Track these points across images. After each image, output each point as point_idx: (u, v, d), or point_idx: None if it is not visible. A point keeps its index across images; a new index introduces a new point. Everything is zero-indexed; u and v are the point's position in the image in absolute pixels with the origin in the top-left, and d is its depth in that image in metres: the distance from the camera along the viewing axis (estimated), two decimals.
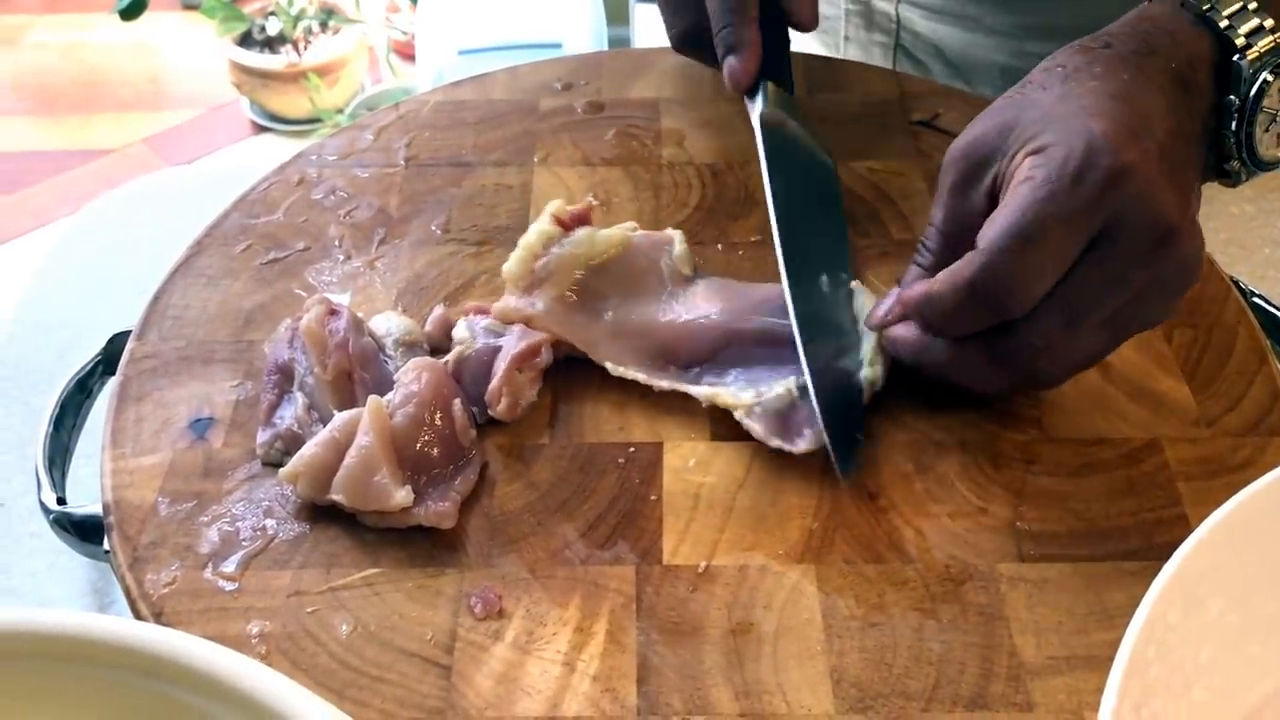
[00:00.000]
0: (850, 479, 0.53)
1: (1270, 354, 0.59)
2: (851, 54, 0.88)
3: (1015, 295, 0.49)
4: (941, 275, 0.51)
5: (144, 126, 2.53)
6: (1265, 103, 0.54)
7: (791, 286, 0.57)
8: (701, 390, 0.55)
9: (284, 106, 2.47)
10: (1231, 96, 0.54)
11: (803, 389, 0.54)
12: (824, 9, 0.87)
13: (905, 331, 0.54)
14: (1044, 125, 0.51)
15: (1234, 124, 0.54)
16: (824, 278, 0.59)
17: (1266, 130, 0.54)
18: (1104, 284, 0.49)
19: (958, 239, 0.53)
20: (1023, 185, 0.49)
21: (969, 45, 0.82)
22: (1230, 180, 0.57)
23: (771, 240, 0.58)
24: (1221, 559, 0.38)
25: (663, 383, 0.56)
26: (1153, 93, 0.52)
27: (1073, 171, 0.49)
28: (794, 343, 0.55)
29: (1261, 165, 0.55)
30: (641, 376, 0.56)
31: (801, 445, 0.53)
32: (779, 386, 0.54)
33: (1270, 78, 0.53)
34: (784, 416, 0.54)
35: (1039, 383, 0.54)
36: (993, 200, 0.53)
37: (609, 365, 0.56)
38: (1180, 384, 0.57)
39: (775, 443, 0.53)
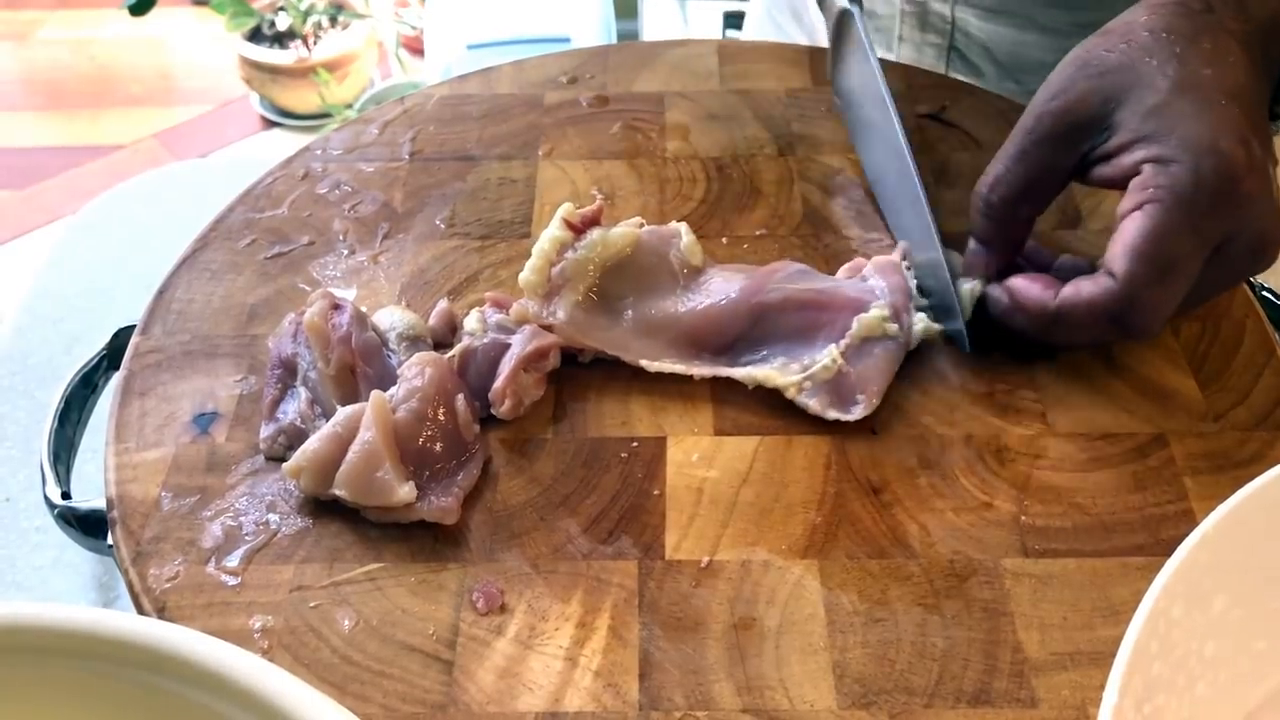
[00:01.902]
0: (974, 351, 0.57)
1: (1279, 348, 0.58)
2: (905, 54, 0.87)
3: (1153, 323, 0.52)
4: (1070, 295, 0.53)
5: (154, 122, 2.54)
6: None
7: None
8: (744, 372, 0.55)
9: (293, 101, 2.47)
10: None
11: (846, 353, 0.55)
12: (878, 8, 0.87)
13: (1014, 315, 0.56)
14: (1162, 124, 0.51)
15: None
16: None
17: None
18: (1210, 286, 0.53)
19: (1029, 191, 0.56)
20: (1151, 206, 0.51)
21: (1021, 45, 0.82)
22: None
23: (775, 235, 0.58)
24: (1226, 554, 0.37)
25: (704, 370, 0.56)
26: (1253, 75, 0.52)
27: (1206, 201, 0.50)
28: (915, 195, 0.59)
29: None
30: (681, 368, 0.56)
31: (857, 412, 0.54)
32: (823, 357, 0.55)
33: None
34: (834, 386, 0.55)
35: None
36: (1080, 166, 0.55)
37: (644, 363, 0.56)
38: (1187, 378, 0.57)
39: (833, 414, 0.54)
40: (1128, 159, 0.52)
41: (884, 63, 0.77)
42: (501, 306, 0.58)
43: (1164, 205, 0.50)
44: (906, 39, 0.87)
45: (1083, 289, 0.53)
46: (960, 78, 0.84)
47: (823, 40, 0.90)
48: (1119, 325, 0.52)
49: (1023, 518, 0.51)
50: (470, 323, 0.57)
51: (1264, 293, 0.62)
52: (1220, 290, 0.55)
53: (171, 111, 2.57)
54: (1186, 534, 0.37)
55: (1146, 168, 0.51)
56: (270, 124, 2.52)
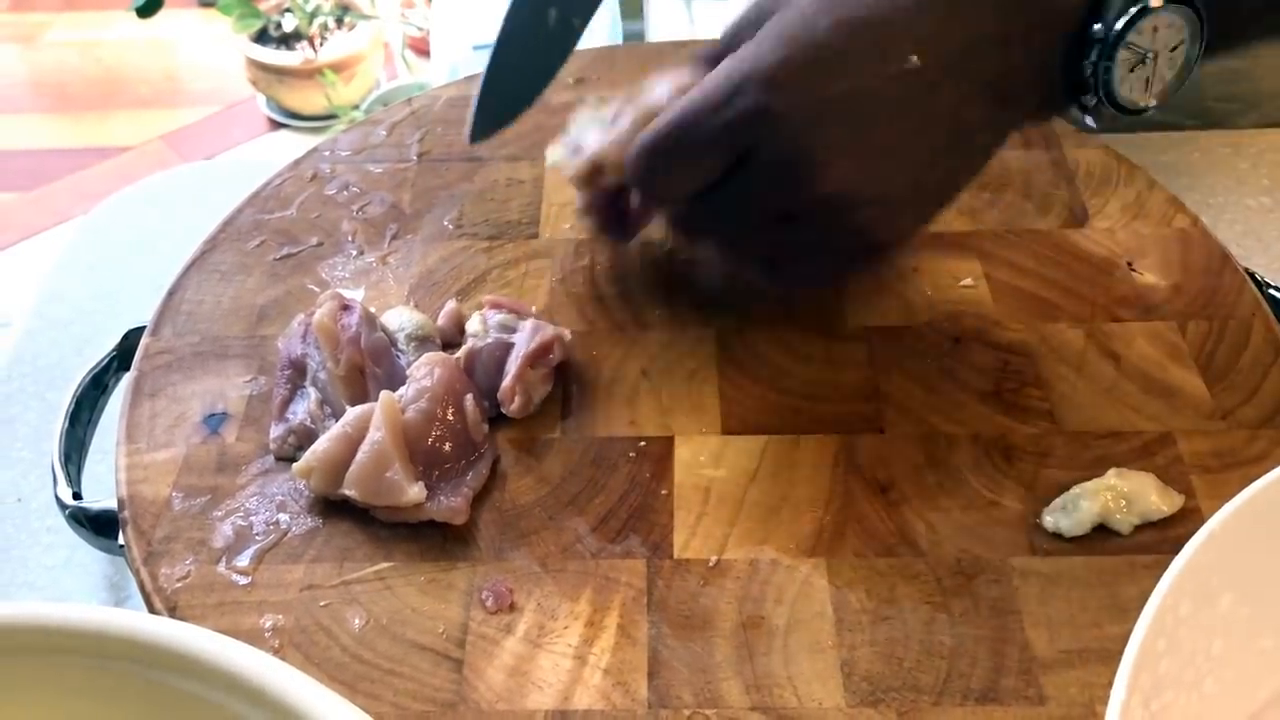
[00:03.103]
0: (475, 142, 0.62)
1: None
2: None
3: (655, 188, 0.54)
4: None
5: (161, 124, 2.54)
6: (1132, 38, 0.50)
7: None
8: None
9: (300, 103, 2.48)
10: (1098, 26, 0.50)
11: None
12: None
13: None
14: (760, 29, 0.50)
15: (1094, 54, 0.50)
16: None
17: (1132, 70, 0.51)
18: (740, 203, 0.52)
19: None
20: (689, 93, 0.51)
21: None
22: (1092, 121, 0.53)
23: None
24: (1233, 552, 0.37)
25: None
26: (929, 22, 0.49)
27: (716, 100, 0.50)
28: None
29: (1121, 108, 0.52)
30: None
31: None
32: None
33: (1140, 12, 0.49)
34: None
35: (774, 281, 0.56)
36: None
37: None
38: (1194, 376, 0.57)
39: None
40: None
41: None
42: (498, 308, 0.58)
43: (695, 96, 0.51)
44: None
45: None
46: None
47: None
48: (641, 171, 0.53)
49: (1030, 516, 0.51)
50: (472, 325, 0.57)
51: (1271, 291, 0.62)
52: (819, 248, 0.54)
53: (178, 113, 2.58)
54: (1194, 532, 0.37)
55: (724, 61, 0.51)
56: (277, 125, 2.52)
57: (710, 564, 0.50)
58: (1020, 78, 0.51)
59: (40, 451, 0.63)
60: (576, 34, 0.61)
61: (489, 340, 0.56)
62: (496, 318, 0.57)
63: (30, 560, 0.59)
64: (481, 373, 0.56)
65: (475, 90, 0.60)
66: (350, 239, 0.65)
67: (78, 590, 0.58)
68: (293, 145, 2.39)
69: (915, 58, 0.48)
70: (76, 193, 2.34)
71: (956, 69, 0.49)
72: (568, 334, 0.57)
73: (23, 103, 2.64)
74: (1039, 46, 0.50)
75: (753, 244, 0.55)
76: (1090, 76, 0.50)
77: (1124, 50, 0.50)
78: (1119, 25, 0.49)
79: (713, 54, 0.54)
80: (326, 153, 0.71)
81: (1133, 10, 0.49)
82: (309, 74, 2.42)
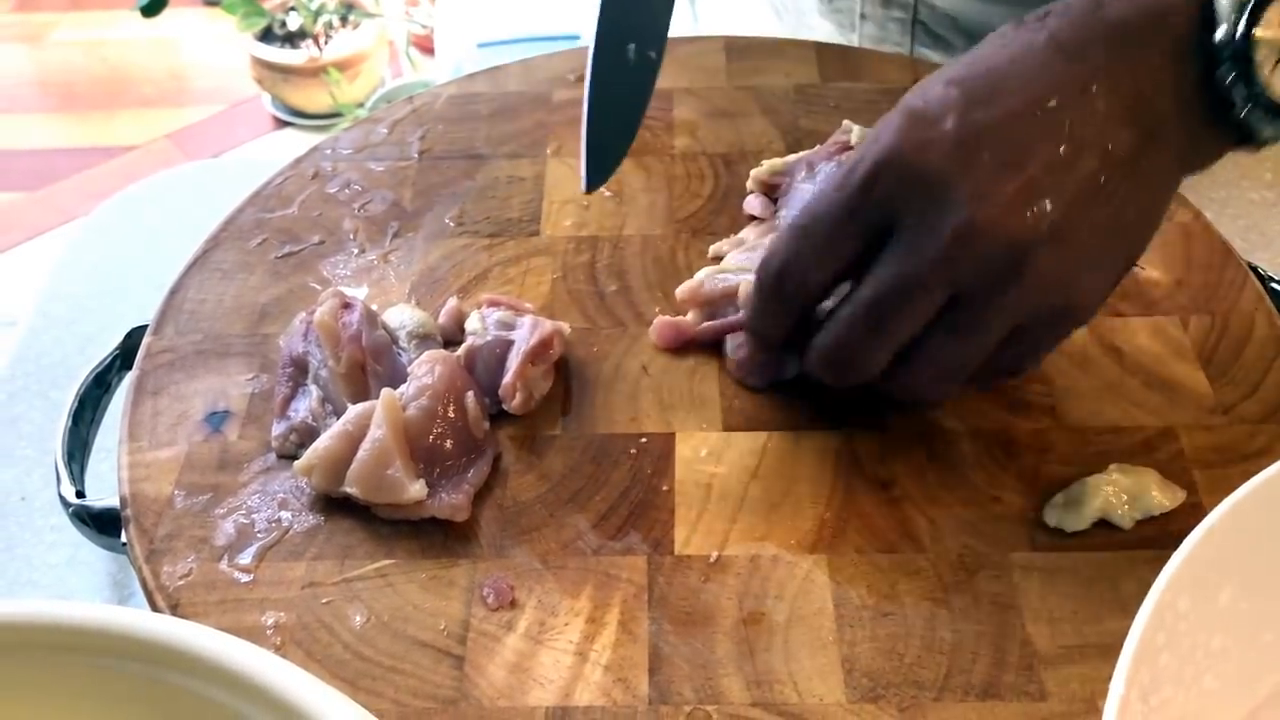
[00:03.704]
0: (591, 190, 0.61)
1: None
2: (867, 31, 0.87)
3: (791, 287, 0.50)
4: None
5: (166, 122, 2.54)
6: (1261, 33, 0.45)
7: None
8: None
9: (305, 101, 2.48)
10: (1219, 34, 0.46)
11: None
12: None
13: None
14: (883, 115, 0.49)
15: (1226, 61, 0.46)
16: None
17: (1277, 65, 0.45)
18: (895, 282, 0.47)
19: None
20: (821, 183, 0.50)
21: (989, 15, 0.81)
22: (1255, 140, 0.48)
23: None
24: (1233, 546, 0.37)
25: None
26: (1050, 65, 0.46)
27: (847, 167, 0.48)
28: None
29: (1276, 109, 0.47)
30: None
31: None
32: None
33: (1258, 3, 0.45)
34: None
35: (911, 394, 0.52)
36: None
37: None
38: (1196, 371, 0.57)
39: None
40: None
41: (893, 57, 0.77)
42: (496, 306, 0.58)
43: (829, 179, 0.50)
44: (869, 16, 0.86)
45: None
46: (928, 53, 0.84)
47: (831, 25, 0.90)
48: (769, 292, 0.51)
49: (1031, 511, 0.51)
50: (471, 323, 0.57)
51: (1274, 285, 0.62)
52: (999, 322, 0.47)
53: (183, 112, 2.58)
54: (1194, 527, 0.37)
55: None
56: (282, 124, 2.53)
57: (711, 560, 0.50)
58: (1157, 106, 0.47)
59: (44, 450, 0.64)
60: (655, 64, 0.62)
61: (489, 337, 0.56)
62: (495, 315, 0.58)
63: (34, 558, 0.60)
64: (482, 370, 0.56)
65: (581, 140, 0.60)
66: (352, 237, 0.65)
67: (81, 588, 0.58)
68: (298, 144, 2.39)
69: (1054, 100, 0.46)
70: (82, 192, 2.34)
71: (1087, 104, 0.46)
72: (567, 328, 0.57)
73: (29, 102, 2.65)
74: (1167, 67, 0.47)
75: (930, 345, 0.49)
76: (1231, 85, 0.46)
77: (1262, 49, 0.45)
78: (1241, 25, 0.45)
79: None
80: (328, 151, 0.71)
81: (1250, 3, 0.45)
82: (314, 72, 2.42)
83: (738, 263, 0.59)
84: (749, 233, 0.63)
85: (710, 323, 0.58)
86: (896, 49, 0.85)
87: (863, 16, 0.87)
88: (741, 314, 0.56)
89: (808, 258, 0.50)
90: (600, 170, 0.61)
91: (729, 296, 0.57)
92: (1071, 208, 0.46)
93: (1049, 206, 0.45)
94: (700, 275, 0.59)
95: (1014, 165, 0.45)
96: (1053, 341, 0.51)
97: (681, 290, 0.59)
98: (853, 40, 0.88)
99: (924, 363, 0.49)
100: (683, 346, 0.58)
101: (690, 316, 0.58)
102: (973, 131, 0.45)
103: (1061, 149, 0.45)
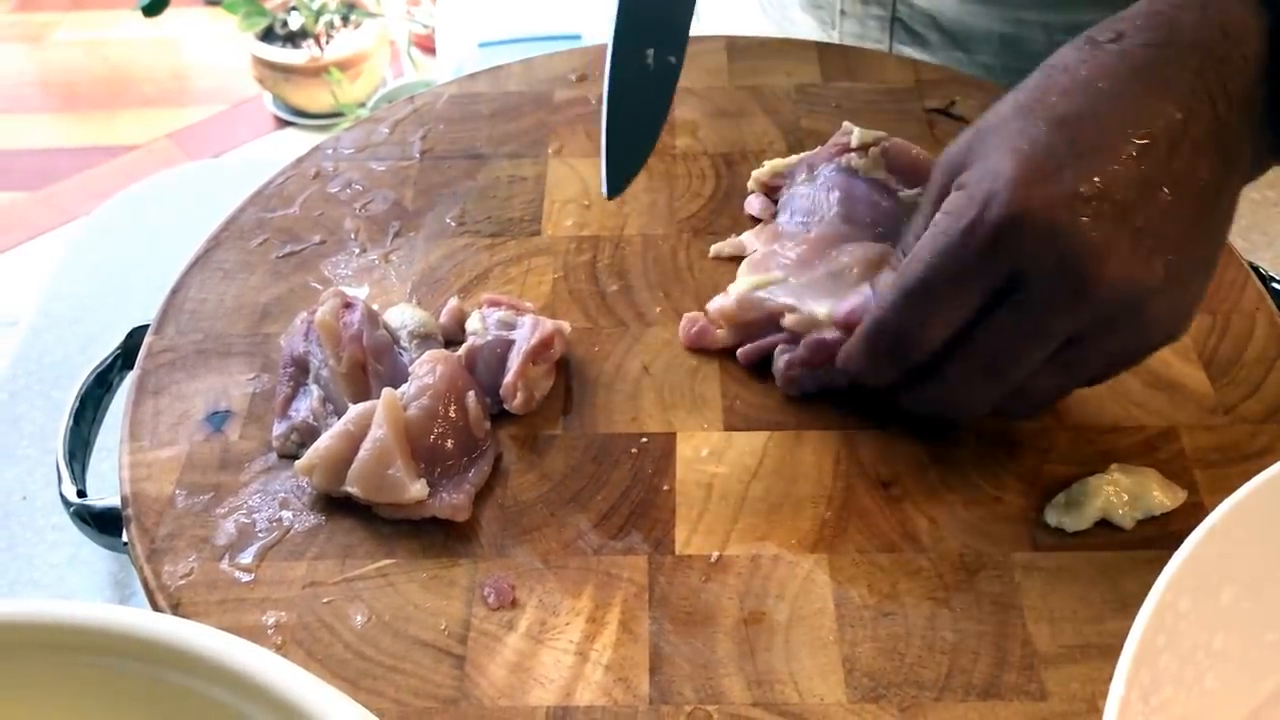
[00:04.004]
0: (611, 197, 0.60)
1: None
2: (847, 29, 0.87)
3: (907, 346, 0.50)
4: (843, 325, 0.53)
5: (168, 122, 2.54)
6: None
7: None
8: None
9: (306, 101, 2.48)
10: None
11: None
12: None
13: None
14: (980, 152, 0.48)
15: None
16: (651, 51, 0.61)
17: None
18: (1018, 334, 0.48)
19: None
20: (927, 232, 0.48)
21: (966, 14, 0.81)
22: None
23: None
24: (1235, 546, 0.37)
25: None
26: (1142, 100, 0.47)
27: (966, 224, 0.47)
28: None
29: None
30: None
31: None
32: None
33: None
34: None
35: (1011, 414, 0.53)
36: None
37: None
38: (1197, 371, 0.57)
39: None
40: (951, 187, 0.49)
41: (893, 57, 0.77)
42: (497, 306, 0.58)
43: (934, 230, 0.48)
44: (849, 13, 0.86)
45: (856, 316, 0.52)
46: (905, 49, 0.84)
47: (813, 22, 0.90)
48: (884, 356, 0.50)
49: (1033, 511, 0.51)
50: (472, 323, 0.57)
51: (1275, 284, 0.62)
52: (1105, 349, 0.49)
53: (185, 112, 2.58)
54: (1195, 527, 0.37)
55: (950, 195, 0.48)
56: (283, 123, 2.53)
57: (712, 560, 0.50)
58: (1235, 129, 0.48)
59: (45, 449, 0.64)
60: (675, 70, 0.62)
61: (490, 337, 0.56)
62: (496, 315, 0.58)
63: (35, 557, 0.60)
64: (483, 369, 0.56)
65: (601, 145, 0.59)
66: (353, 237, 0.65)
67: (82, 587, 0.58)
68: (299, 143, 2.39)
69: (1152, 138, 0.46)
70: (84, 192, 2.34)
71: (1181, 138, 0.47)
72: (567, 326, 0.57)
73: (30, 102, 2.65)
74: (1243, 90, 0.47)
75: (1031, 379, 0.49)
76: None
77: None
78: None
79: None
80: (329, 150, 0.71)
81: None
82: (315, 72, 2.42)
83: (769, 276, 0.58)
84: (750, 235, 0.63)
85: (754, 344, 0.57)
86: (876, 45, 0.85)
87: (843, 13, 0.87)
88: (783, 334, 0.56)
89: (928, 317, 0.49)
90: (620, 176, 0.60)
91: (773, 318, 0.56)
92: (1179, 249, 0.47)
93: (1162, 252, 0.46)
94: (732, 293, 0.58)
95: (1130, 214, 0.46)
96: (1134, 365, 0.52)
97: (713, 308, 0.58)
98: (833, 36, 0.88)
99: (1028, 395, 0.50)
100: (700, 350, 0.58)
101: (721, 333, 0.58)
102: (1091, 185, 0.46)
103: (1165, 190, 0.46)
